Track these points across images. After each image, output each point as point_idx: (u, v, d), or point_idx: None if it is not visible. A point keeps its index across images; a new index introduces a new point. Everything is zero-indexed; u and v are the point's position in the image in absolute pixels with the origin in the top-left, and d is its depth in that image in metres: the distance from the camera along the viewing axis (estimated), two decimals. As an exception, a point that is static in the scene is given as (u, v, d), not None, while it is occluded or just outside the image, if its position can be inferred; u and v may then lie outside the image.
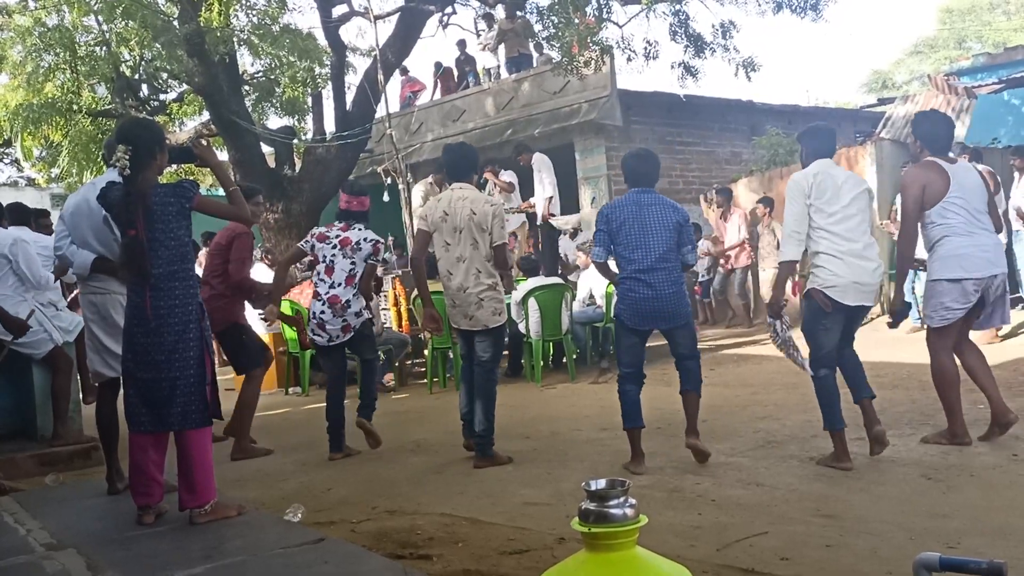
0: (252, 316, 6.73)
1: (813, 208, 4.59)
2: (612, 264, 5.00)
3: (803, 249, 4.68)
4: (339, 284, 5.55)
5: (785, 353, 4.95)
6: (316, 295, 5.63)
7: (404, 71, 16.18)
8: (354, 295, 5.57)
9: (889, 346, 8.42)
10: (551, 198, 10.46)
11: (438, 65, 16.83)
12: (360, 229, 5.65)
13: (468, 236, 5.08)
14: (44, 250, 6.06)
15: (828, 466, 4.55)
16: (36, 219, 6.99)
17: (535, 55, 14.38)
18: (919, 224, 4.81)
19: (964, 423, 4.77)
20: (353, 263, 5.57)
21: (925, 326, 5.79)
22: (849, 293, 4.58)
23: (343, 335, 5.59)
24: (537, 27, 11.63)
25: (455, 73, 16.47)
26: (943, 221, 4.73)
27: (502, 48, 14.84)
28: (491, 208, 5.14)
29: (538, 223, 10.87)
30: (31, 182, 20.81)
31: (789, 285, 5.04)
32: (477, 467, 5.11)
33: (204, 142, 4.37)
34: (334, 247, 5.60)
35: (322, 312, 5.55)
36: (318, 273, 5.65)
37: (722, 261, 11.36)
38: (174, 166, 10.05)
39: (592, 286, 8.70)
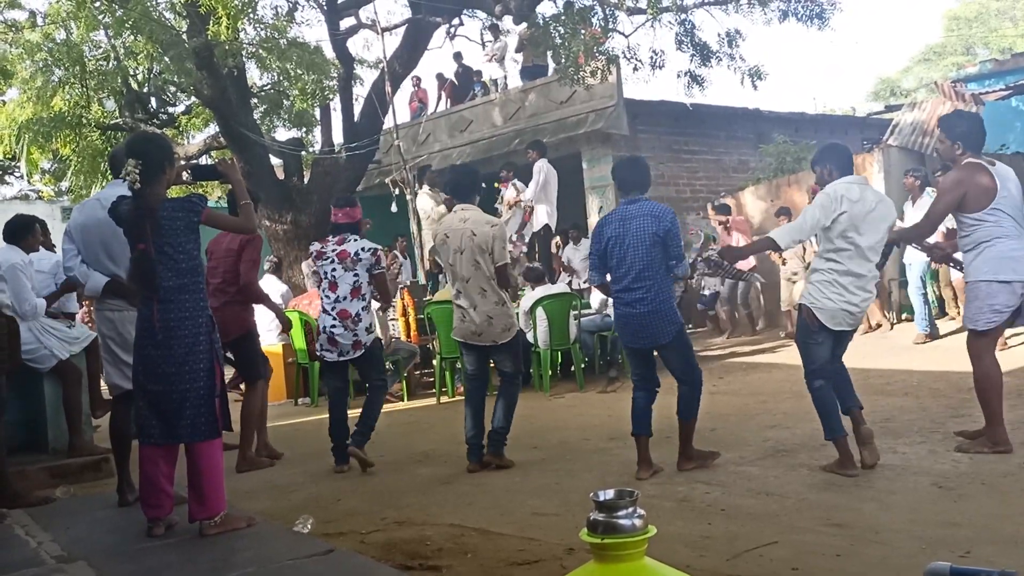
0: (262, 326, 6.73)
1: (836, 228, 4.54)
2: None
3: (793, 246, 4.92)
4: (344, 298, 5.52)
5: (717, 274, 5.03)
6: (324, 310, 5.61)
7: (417, 82, 16.62)
8: (363, 308, 5.54)
9: (898, 354, 8.41)
10: (531, 202, 10.66)
11: (440, 77, 16.97)
12: (355, 240, 5.62)
13: (470, 257, 5.14)
14: (44, 269, 6.06)
15: (834, 472, 4.54)
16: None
17: (551, 65, 14.46)
18: (942, 223, 4.80)
19: (1006, 430, 4.68)
20: (356, 275, 5.54)
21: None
22: (836, 318, 4.58)
23: (354, 351, 5.54)
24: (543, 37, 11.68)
25: (455, 84, 16.65)
26: (994, 222, 4.66)
27: (519, 56, 14.91)
28: (492, 230, 5.18)
29: (535, 230, 10.94)
30: (41, 196, 20.96)
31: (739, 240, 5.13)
32: (487, 462, 5.20)
33: (229, 160, 4.42)
34: (332, 262, 5.58)
35: (333, 326, 5.51)
36: (323, 289, 5.65)
37: None
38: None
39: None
